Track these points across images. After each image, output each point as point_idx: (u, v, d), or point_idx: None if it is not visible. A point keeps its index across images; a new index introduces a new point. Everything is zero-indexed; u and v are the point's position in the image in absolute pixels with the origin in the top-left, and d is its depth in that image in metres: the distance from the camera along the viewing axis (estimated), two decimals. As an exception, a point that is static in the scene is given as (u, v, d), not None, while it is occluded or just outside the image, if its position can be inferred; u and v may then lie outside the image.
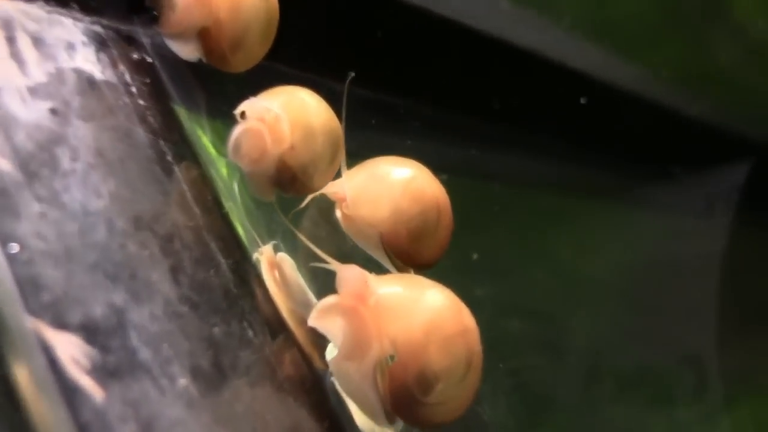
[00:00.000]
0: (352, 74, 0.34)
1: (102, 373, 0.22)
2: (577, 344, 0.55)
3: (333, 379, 0.29)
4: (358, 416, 0.31)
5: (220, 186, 0.34)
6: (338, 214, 0.34)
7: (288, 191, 0.33)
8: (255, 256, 0.34)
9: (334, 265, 0.28)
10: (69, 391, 0.22)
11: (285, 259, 0.35)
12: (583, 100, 0.59)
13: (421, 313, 0.28)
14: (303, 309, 0.33)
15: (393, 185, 0.33)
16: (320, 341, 0.32)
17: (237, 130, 0.31)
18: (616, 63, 0.63)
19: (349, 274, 0.28)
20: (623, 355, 0.57)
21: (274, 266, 0.34)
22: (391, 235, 0.33)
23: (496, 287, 0.51)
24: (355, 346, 0.28)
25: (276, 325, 0.30)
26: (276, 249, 0.35)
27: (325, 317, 0.28)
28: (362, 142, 0.37)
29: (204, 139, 0.37)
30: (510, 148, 0.60)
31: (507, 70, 0.56)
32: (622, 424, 0.55)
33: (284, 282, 0.34)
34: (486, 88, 0.55)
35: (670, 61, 0.67)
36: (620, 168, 0.67)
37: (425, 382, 0.27)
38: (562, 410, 0.52)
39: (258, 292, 0.30)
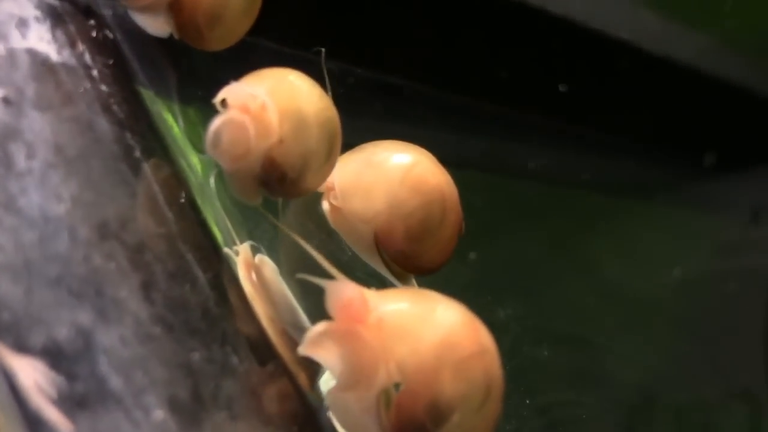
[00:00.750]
0: (322, 50, 0.35)
1: (69, 403, 0.25)
2: (620, 376, 0.57)
3: (329, 413, 0.31)
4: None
5: (196, 186, 0.36)
6: (325, 206, 0.35)
7: (276, 193, 0.34)
8: (227, 250, 0.36)
9: (321, 282, 0.30)
10: (33, 424, 0.24)
11: (265, 262, 0.37)
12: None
13: (431, 332, 0.29)
14: (287, 317, 0.35)
15: (390, 173, 0.35)
16: (307, 362, 0.34)
17: (216, 122, 0.32)
18: (671, 34, 0.65)
19: (341, 291, 0.29)
20: (673, 389, 0.58)
21: (251, 267, 0.36)
22: (387, 232, 0.35)
23: (522, 306, 0.53)
24: (357, 375, 0.29)
25: (263, 350, 0.32)
26: (254, 251, 0.37)
27: (319, 345, 0.29)
28: (362, 131, 0.39)
29: (176, 130, 0.39)
30: (539, 138, 0.62)
31: (537, 44, 0.58)
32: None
33: (264, 286, 0.36)
34: (510, 67, 0.57)
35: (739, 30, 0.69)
36: (671, 163, 0.69)
37: (437, 412, 0.29)
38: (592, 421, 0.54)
39: (241, 310, 0.33)
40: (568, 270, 0.60)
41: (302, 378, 0.33)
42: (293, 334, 0.35)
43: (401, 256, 0.35)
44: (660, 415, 0.57)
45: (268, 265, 0.37)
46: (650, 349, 0.58)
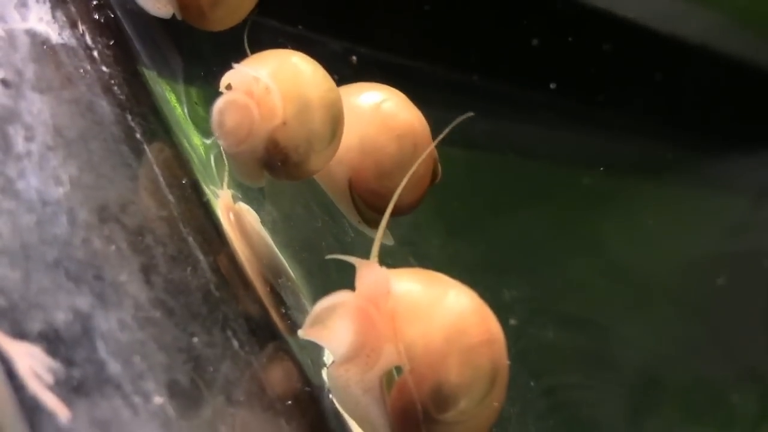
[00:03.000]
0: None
1: (66, 388, 0.24)
2: (626, 358, 0.56)
3: (331, 397, 0.31)
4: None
5: (199, 169, 0.35)
6: None
7: (279, 175, 0.34)
8: (211, 188, 0.36)
9: (353, 260, 0.30)
10: (30, 410, 0.24)
11: (245, 209, 0.37)
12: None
13: (442, 317, 0.29)
14: (265, 261, 0.35)
15: (360, 110, 0.35)
16: (284, 307, 0.34)
17: (220, 104, 0.33)
18: (677, 11, 0.64)
19: (370, 273, 0.30)
20: (679, 370, 0.58)
21: (230, 209, 0.36)
22: (358, 169, 0.35)
23: (528, 287, 0.52)
24: (361, 350, 0.29)
25: (265, 334, 0.32)
26: (235, 199, 0.37)
27: (331, 315, 0.29)
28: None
29: (178, 111, 0.39)
30: (548, 117, 0.61)
31: (543, 23, 0.57)
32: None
33: (243, 230, 0.36)
34: (515, 42, 0.56)
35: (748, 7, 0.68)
36: (685, 142, 0.68)
37: (442, 397, 0.29)
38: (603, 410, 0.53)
39: (243, 294, 0.32)
40: (574, 250, 0.60)
41: (271, 307, 0.33)
42: (270, 278, 0.35)
43: (373, 195, 0.36)
44: (667, 396, 0.56)
45: (249, 212, 0.37)
46: (656, 331, 0.58)
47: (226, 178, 0.37)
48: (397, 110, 0.36)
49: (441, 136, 0.34)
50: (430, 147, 0.36)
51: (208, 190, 0.35)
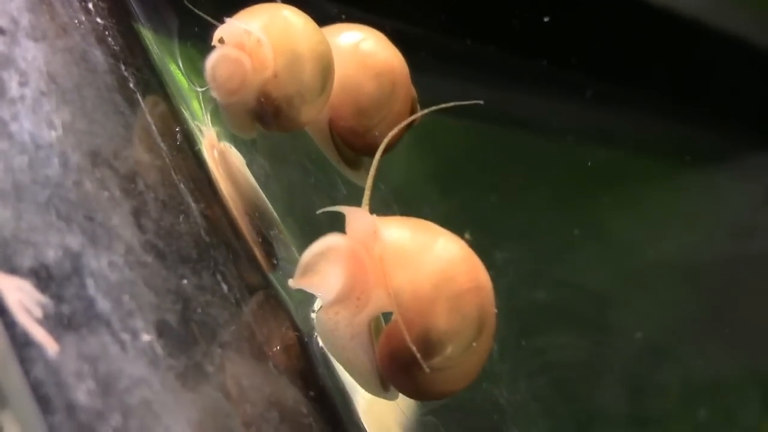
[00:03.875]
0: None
1: (55, 323, 0.25)
2: (618, 322, 0.57)
3: (320, 342, 0.31)
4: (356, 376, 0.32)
5: (191, 119, 0.36)
6: None
7: (271, 126, 0.34)
8: (195, 123, 0.36)
9: (343, 208, 0.30)
10: (19, 343, 0.24)
11: (230, 149, 0.37)
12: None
13: (430, 263, 0.29)
14: (250, 201, 0.35)
15: (339, 50, 0.35)
16: (275, 258, 0.34)
17: (212, 57, 0.33)
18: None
19: (359, 218, 0.30)
20: (672, 335, 0.58)
21: (214, 147, 0.37)
22: (337, 107, 0.35)
23: (521, 251, 0.52)
24: (351, 294, 0.29)
25: (255, 280, 0.32)
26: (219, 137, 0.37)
27: (320, 260, 0.30)
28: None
29: (172, 66, 0.39)
30: (553, 89, 0.61)
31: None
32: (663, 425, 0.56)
33: (227, 169, 0.36)
34: (516, 4, 0.56)
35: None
36: (705, 127, 0.68)
37: (429, 342, 0.29)
38: (596, 400, 0.54)
39: (234, 241, 0.33)
40: (573, 222, 0.60)
41: (261, 256, 0.34)
42: (260, 226, 0.36)
43: (352, 133, 0.36)
44: (660, 361, 0.57)
45: (233, 153, 0.38)
46: (657, 305, 0.58)
47: (209, 116, 0.37)
48: (376, 50, 0.36)
49: (440, 107, 0.34)
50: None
51: (197, 131, 0.36)
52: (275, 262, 0.35)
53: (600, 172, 0.62)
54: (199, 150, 0.34)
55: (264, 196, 0.37)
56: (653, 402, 0.56)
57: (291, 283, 0.30)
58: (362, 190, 0.32)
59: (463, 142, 0.52)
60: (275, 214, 0.38)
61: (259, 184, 0.38)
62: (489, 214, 0.53)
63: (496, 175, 0.56)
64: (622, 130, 0.67)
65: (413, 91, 0.37)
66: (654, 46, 0.62)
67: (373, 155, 0.32)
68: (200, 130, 0.36)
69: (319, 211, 0.31)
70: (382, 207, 0.36)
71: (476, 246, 0.32)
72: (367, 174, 0.31)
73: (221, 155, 0.36)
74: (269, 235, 0.36)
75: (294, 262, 0.35)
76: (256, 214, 0.36)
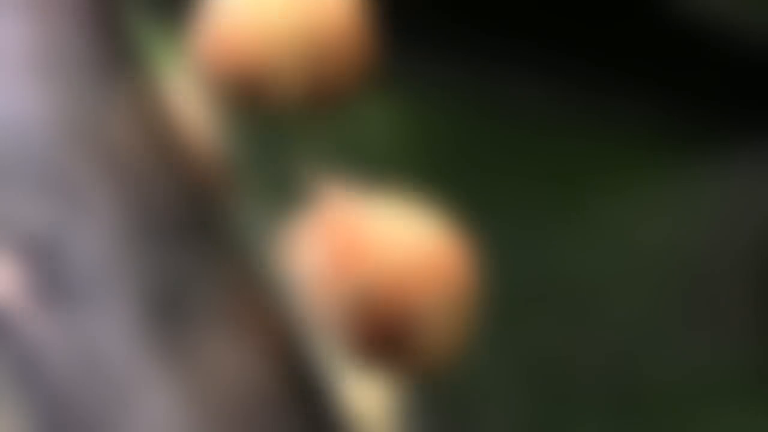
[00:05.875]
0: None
1: (35, 299, 0.24)
2: (606, 311, 0.56)
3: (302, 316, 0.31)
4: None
5: (175, 93, 0.35)
6: None
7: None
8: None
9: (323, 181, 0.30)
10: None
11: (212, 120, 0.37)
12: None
13: (412, 239, 0.29)
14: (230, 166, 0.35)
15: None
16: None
17: (194, 34, 0.33)
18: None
19: (338, 195, 0.30)
20: (663, 333, 0.58)
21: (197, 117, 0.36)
22: None
23: (506, 237, 0.52)
24: (329, 267, 0.29)
25: (242, 253, 0.31)
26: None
27: (298, 235, 0.30)
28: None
29: (155, 37, 0.38)
30: (539, 70, 0.61)
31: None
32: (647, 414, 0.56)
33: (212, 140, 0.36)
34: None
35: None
36: (693, 115, 0.68)
37: (409, 319, 0.29)
38: (580, 388, 0.54)
39: (218, 214, 0.32)
40: (561, 208, 0.60)
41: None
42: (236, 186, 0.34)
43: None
44: (646, 349, 0.57)
45: (214, 122, 0.37)
46: (635, 289, 0.58)
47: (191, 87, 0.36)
48: None
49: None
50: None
51: (179, 101, 0.35)
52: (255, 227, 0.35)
53: (588, 159, 0.62)
54: (181, 120, 0.34)
55: (245, 161, 0.36)
56: (637, 390, 0.56)
57: (271, 261, 0.30)
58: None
59: (447, 127, 0.51)
60: (256, 179, 0.37)
61: (240, 151, 0.37)
62: (472, 201, 0.52)
63: (479, 161, 0.55)
64: (609, 117, 0.67)
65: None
66: (643, 34, 0.62)
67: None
68: (183, 99, 0.35)
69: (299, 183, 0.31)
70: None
71: (459, 233, 0.31)
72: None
73: (204, 125, 0.35)
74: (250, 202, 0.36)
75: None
76: (238, 182, 0.35)
